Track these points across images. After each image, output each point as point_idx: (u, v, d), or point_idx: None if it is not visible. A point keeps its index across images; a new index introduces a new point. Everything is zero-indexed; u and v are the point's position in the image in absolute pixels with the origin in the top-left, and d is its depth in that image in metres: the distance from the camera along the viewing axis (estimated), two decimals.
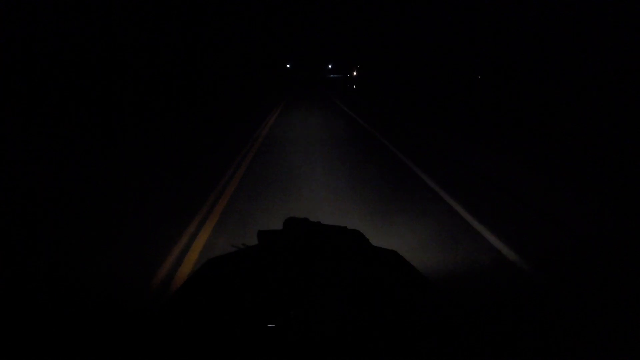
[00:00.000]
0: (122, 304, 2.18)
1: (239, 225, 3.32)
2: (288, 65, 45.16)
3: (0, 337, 1.85)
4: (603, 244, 3.03)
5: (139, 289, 2.37)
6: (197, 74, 16.48)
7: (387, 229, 3.22)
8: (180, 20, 14.29)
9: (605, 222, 3.58)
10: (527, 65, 10.90)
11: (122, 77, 9.85)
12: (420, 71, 19.24)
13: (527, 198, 4.10)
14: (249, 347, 0.79)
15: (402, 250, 1.38)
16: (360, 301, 0.92)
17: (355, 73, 32.80)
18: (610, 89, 8.25)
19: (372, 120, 10.94)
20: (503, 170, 5.30)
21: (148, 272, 2.55)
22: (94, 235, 3.13)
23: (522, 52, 11.01)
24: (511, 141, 7.54)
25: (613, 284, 2.47)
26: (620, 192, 4.31)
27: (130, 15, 10.18)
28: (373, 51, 28.48)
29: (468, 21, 14.39)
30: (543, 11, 9.86)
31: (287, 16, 42.04)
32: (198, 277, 1.11)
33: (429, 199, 4.09)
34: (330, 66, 49.97)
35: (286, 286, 0.98)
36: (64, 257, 2.79)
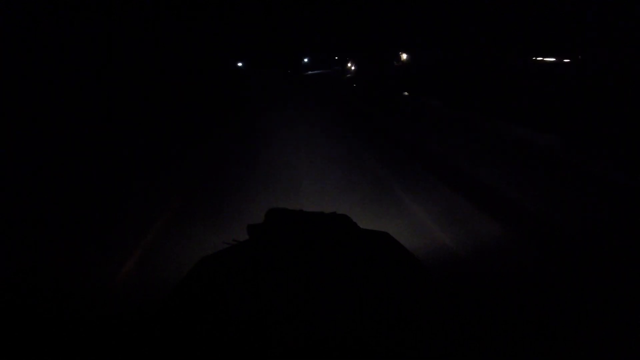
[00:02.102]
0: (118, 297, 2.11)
1: None
2: (240, 64, 32.99)
3: None
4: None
5: None
6: None
7: None
8: None
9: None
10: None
11: None
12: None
13: None
14: (249, 346, 0.77)
15: None
16: (360, 297, 0.91)
17: (352, 67, 27.92)
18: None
19: None
20: None
21: None
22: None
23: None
24: None
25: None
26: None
27: None
28: (367, 37, 20.74)
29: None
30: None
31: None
32: (193, 277, 1.08)
33: None
34: (306, 60, 38.21)
35: (284, 284, 0.97)
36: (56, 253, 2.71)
